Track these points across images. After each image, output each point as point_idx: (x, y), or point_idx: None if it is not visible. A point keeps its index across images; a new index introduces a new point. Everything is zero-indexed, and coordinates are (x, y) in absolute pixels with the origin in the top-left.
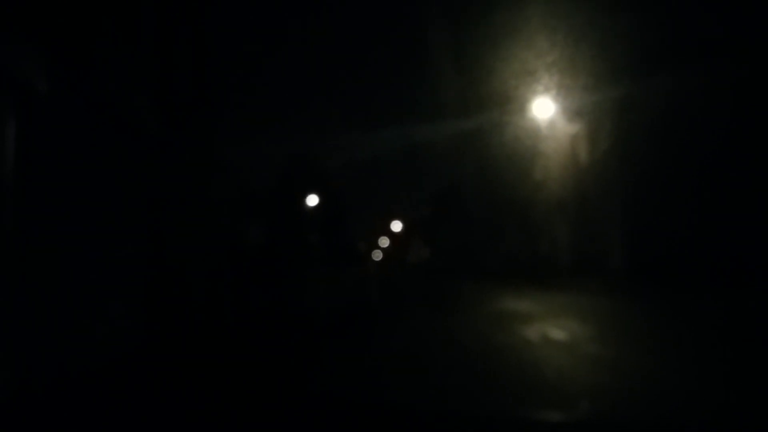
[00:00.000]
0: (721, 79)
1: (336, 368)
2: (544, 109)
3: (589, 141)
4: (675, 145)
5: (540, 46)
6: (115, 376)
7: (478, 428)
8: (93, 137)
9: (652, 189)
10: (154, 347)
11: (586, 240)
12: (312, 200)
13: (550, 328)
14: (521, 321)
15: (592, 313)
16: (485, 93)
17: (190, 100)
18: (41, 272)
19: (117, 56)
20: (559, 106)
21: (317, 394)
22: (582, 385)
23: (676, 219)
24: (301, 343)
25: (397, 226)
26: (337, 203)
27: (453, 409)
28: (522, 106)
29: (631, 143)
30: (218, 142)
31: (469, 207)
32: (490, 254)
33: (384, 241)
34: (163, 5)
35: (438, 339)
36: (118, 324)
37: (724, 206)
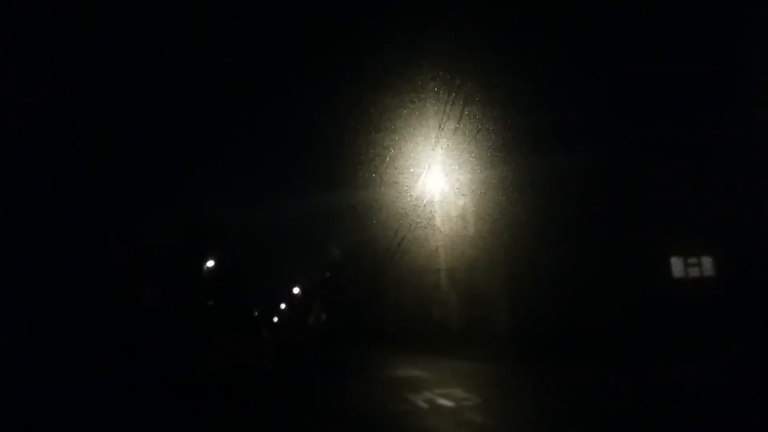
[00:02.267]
0: (598, 162)
1: None
2: (436, 182)
3: (477, 214)
4: (556, 220)
5: (433, 128)
6: None
7: None
8: None
9: (534, 261)
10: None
11: (475, 307)
12: (209, 264)
13: (439, 396)
14: (412, 388)
15: (478, 379)
16: (382, 166)
17: (88, 164)
18: None
19: (11, 119)
20: (450, 180)
21: None
22: None
23: (556, 290)
24: (188, 413)
25: (295, 290)
26: (235, 268)
27: None
28: (416, 180)
29: (515, 218)
30: (116, 205)
31: (364, 273)
32: (387, 319)
33: (282, 306)
34: (64, 66)
35: (330, 406)
36: None
37: (599, 280)
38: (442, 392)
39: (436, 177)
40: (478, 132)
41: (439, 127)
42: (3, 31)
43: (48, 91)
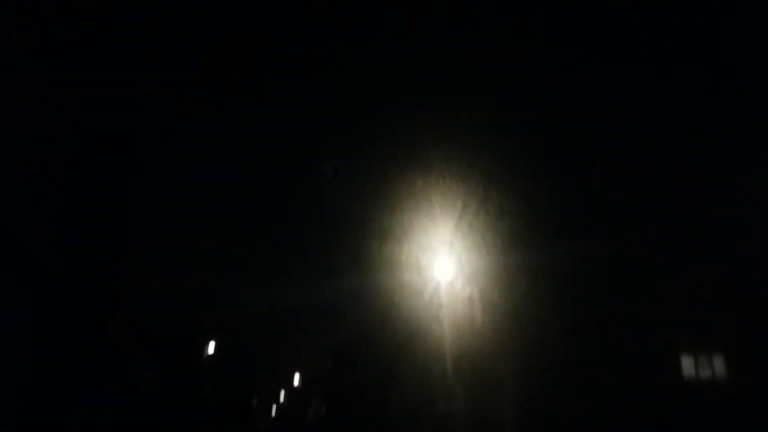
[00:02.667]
0: (614, 257)
1: None
2: (442, 265)
3: (483, 303)
4: (567, 315)
5: (438, 215)
6: None
7: None
8: None
9: (544, 353)
10: None
11: (481, 400)
12: (209, 350)
13: None
14: None
15: None
16: (386, 253)
17: (91, 236)
18: None
19: (17, 189)
20: (457, 262)
21: None
22: None
23: (567, 385)
24: None
25: (296, 379)
26: (236, 354)
27: None
28: (420, 267)
29: (526, 305)
30: (123, 285)
31: (368, 362)
32: (391, 410)
33: (282, 396)
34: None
35: None
36: None
37: (609, 379)
38: None
39: (458, 260)
40: (500, 214)
41: (461, 207)
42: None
43: (60, 168)
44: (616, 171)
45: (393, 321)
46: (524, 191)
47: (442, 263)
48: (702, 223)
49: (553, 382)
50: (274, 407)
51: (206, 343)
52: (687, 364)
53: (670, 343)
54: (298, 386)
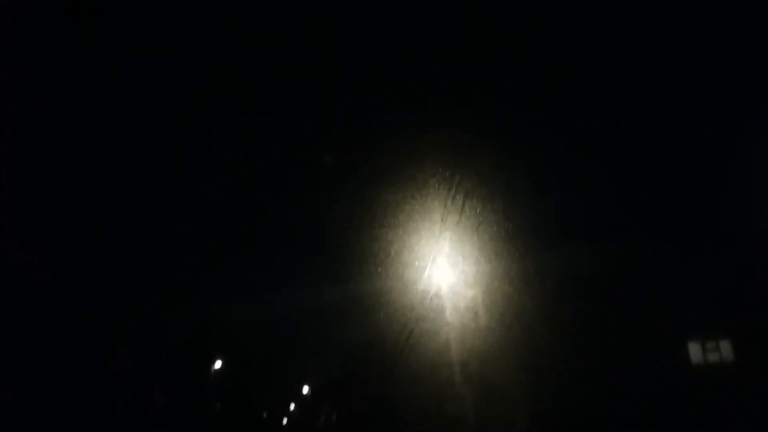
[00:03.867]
0: (608, 249)
1: None
2: (442, 274)
3: (486, 306)
4: (571, 314)
5: (436, 221)
6: None
7: None
8: None
9: (549, 353)
10: None
11: (490, 405)
12: (216, 366)
13: None
14: None
15: None
16: (387, 260)
17: (95, 270)
18: None
19: (18, 238)
20: (456, 272)
21: None
22: None
23: (571, 381)
24: None
25: (305, 389)
26: (243, 368)
27: None
28: (421, 273)
29: (525, 308)
30: (120, 313)
31: (374, 369)
32: (401, 416)
33: (292, 406)
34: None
35: None
36: None
37: (615, 369)
38: None
39: (442, 269)
40: (479, 225)
41: (441, 220)
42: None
43: (57, 194)
44: (601, 172)
45: (390, 331)
46: (511, 198)
47: (435, 272)
48: (703, 214)
49: (558, 380)
50: (284, 419)
51: (213, 360)
52: (694, 352)
53: (671, 337)
54: (306, 396)
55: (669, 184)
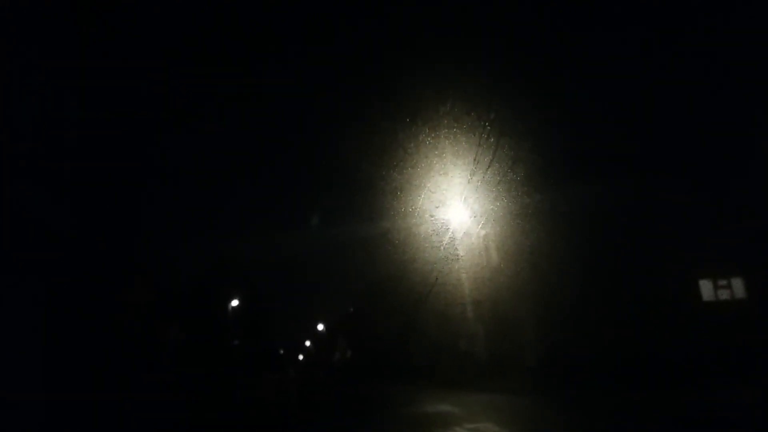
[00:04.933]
0: (625, 188)
1: None
2: (458, 213)
3: (507, 246)
4: (584, 250)
5: (456, 159)
6: None
7: None
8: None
9: (561, 291)
10: None
11: (501, 339)
12: (233, 303)
13: None
14: (442, 424)
15: (508, 413)
16: (403, 198)
17: (112, 205)
18: None
19: (36, 168)
20: (472, 210)
21: None
22: None
23: (584, 318)
24: None
25: (320, 326)
26: (259, 306)
27: None
28: (436, 211)
29: (545, 248)
30: (138, 246)
31: (390, 307)
32: (414, 352)
33: (307, 343)
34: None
35: None
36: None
37: (627, 307)
38: (473, 427)
39: (470, 210)
40: (513, 163)
41: (474, 159)
42: (30, 76)
43: (73, 131)
44: (626, 113)
45: (413, 268)
46: (534, 139)
47: (458, 212)
48: (717, 156)
49: (571, 317)
50: (300, 356)
51: (230, 298)
52: (706, 291)
53: (683, 274)
54: (322, 332)
55: (686, 123)
